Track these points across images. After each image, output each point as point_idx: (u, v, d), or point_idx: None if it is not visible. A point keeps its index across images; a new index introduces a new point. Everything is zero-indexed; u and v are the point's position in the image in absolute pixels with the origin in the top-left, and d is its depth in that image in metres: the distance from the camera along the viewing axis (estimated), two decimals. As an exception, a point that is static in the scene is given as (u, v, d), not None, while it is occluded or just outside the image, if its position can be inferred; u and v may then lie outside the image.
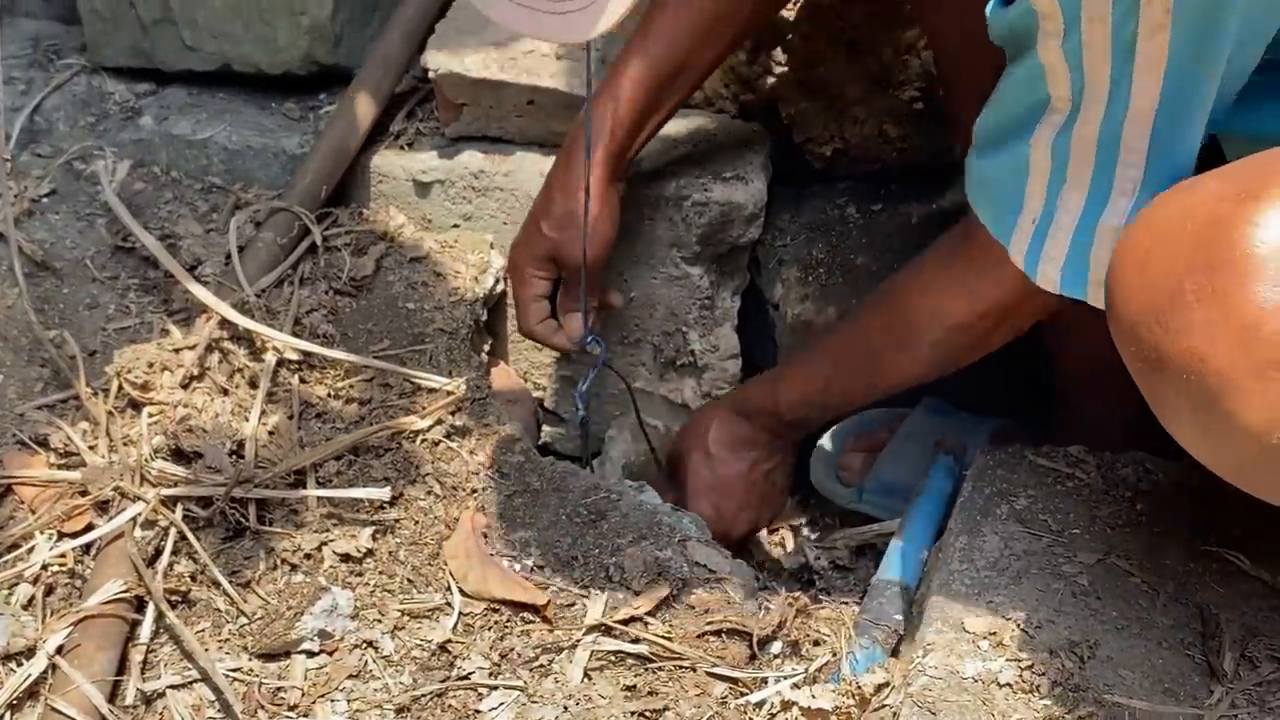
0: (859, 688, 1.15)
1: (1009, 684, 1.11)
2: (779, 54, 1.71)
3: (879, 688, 1.15)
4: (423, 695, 1.21)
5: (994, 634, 1.15)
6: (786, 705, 1.15)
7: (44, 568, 1.29)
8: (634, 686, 1.22)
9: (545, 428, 1.87)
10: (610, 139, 1.47)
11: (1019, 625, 1.16)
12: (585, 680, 1.23)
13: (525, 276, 1.54)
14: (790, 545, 1.74)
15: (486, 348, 1.75)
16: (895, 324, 1.40)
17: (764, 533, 1.73)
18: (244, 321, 1.51)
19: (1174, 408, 0.94)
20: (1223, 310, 0.87)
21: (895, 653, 1.26)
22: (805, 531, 1.79)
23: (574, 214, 1.47)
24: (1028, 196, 1.10)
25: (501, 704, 1.21)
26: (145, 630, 1.25)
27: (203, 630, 1.27)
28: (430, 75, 1.68)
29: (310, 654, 1.25)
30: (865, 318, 1.47)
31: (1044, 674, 1.10)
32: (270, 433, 1.42)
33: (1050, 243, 1.11)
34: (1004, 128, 1.12)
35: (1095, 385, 1.54)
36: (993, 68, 1.41)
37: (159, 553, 1.31)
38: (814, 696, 1.14)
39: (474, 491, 1.41)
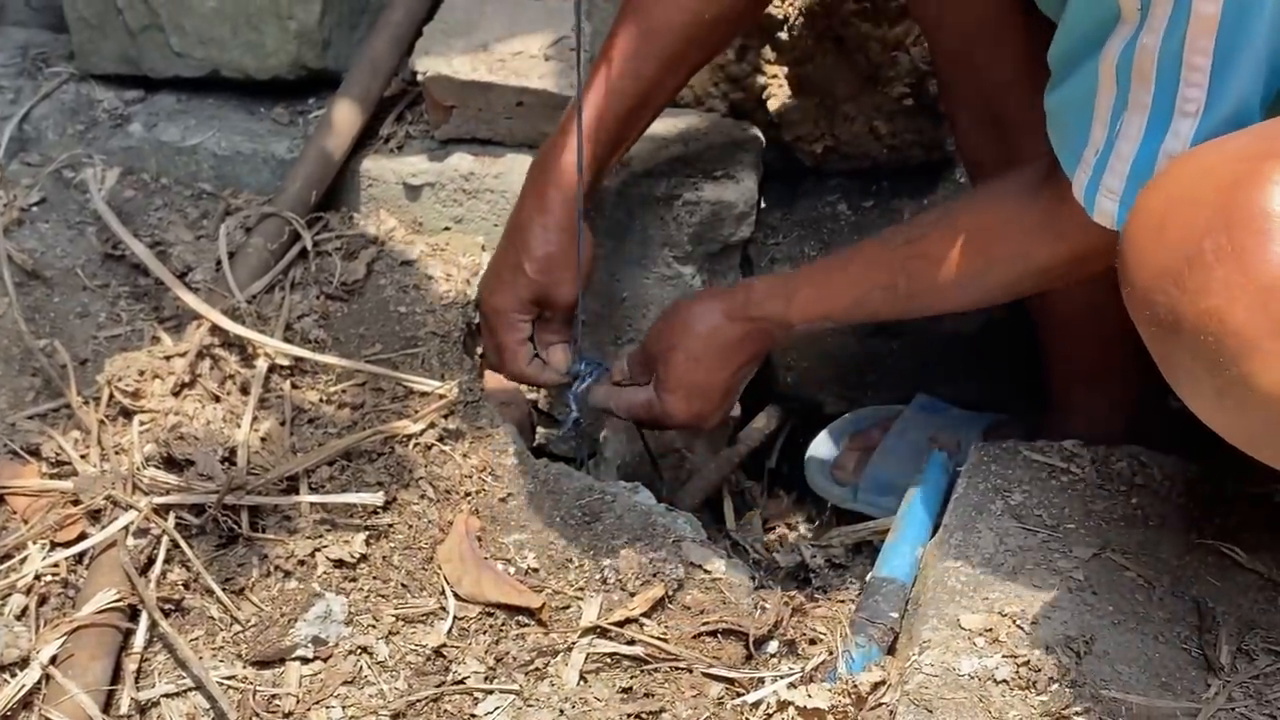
0: (855, 686, 1.14)
1: (1005, 680, 1.11)
2: (768, 52, 1.71)
3: (875, 686, 1.15)
4: (418, 700, 1.20)
5: (990, 630, 1.15)
6: (783, 705, 1.15)
7: (37, 578, 1.29)
8: (630, 688, 1.22)
9: (539, 429, 1.86)
10: (577, 179, 1.43)
11: (1015, 621, 1.16)
12: (581, 683, 1.22)
13: (511, 321, 1.49)
14: (787, 543, 1.74)
15: (479, 350, 1.75)
16: (966, 257, 1.30)
17: (760, 530, 1.73)
18: (235, 328, 1.51)
19: (1189, 373, 0.91)
20: (1242, 270, 0.84)
21: (892, 650, 1.25)
22: (801, 529, 1.79)
23: (558, 255, 1.44)
24: (1094, 124, 1.06)
25: (497, 708, 1.20)
26: (139, 639, 1.25)
27: (196, 638, 1.26)
28: (419, 78, 1.67)
29: (305, 660, 1.24)
30: (920, 242, 1.35)
31: (1040, 670, 1.10)
32: (262, 439, 1.42)
33: (1109, 174, 1.06)
34: (1074, 50, 1.08)
35: (1090, 380, 1.54)
36: (989, 62, 1.41)
37: (152, 561, 1.30)
38: (810, 696, 1.14)
39: (468, 495, 1.40)
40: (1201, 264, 0.86)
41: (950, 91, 1.52)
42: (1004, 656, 1.12)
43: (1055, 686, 1.09)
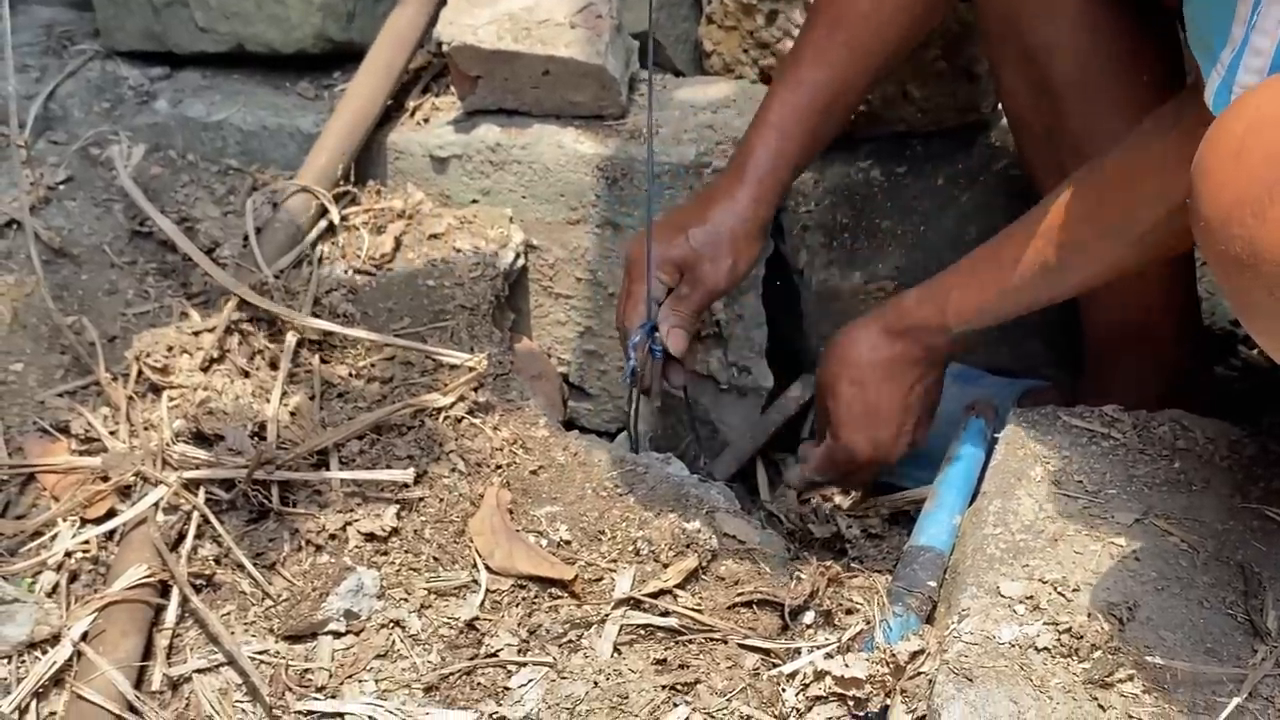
0: (893, 656, 1.13)
1: (1047, 648, 1.08)
2: (798, 16, 1.69)
3: (914, 655, 1.13)
4: (451, 673, 1.20)
5: (1031, 598, 1.13)
6: (820, 675, 1.13)
7: (67, 555, 1.28)
8: (664, 660, 1.20)
9: (570, 403, 1.85)
10: (771, 173, 1.43)
11: (1056, 588, 1.13)
12: (615, 655, 1.21)
13: (644, 273, 1.44)
14: (821, 514, 1.72)
15: (509, 323, 1.74)
16: (1108, 207, 1.24)
17: (794, 501, 1.71)
18: (263, 303, 1.50)
19: (1266, 310, 0.86)
20: None
21: (930, 619, 1.23)
22: (837, 500, 1.77)
23: (724, 237, 1.42)
24: (1234, 23, 0.96)
25: (531, 680, 1.19)
26: (170, 615, 1.24)
27: (228, 613, 1.25)
28: (444, 49, 1.65)
29: (337, 635, 1.24)
30: (1060, 209, 1.29)
31: (1083, 637, 1.08)
32: (292, 413, 1.41)
33: (1243, 71, 0.96)
34: None
35: (1129, 344, 1.52)
36: (1037, 23, 1.37)
37: (182, 537, 1.29)
38: (847, 665, 1.12)
39: (498, 467, 1.39)
40: None
41: (995, 51, 1.49)
42: (1045, 624, 1.10)
43: (1098, 654, 1.07)
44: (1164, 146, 1.19)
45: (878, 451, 1.48)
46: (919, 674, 1.12)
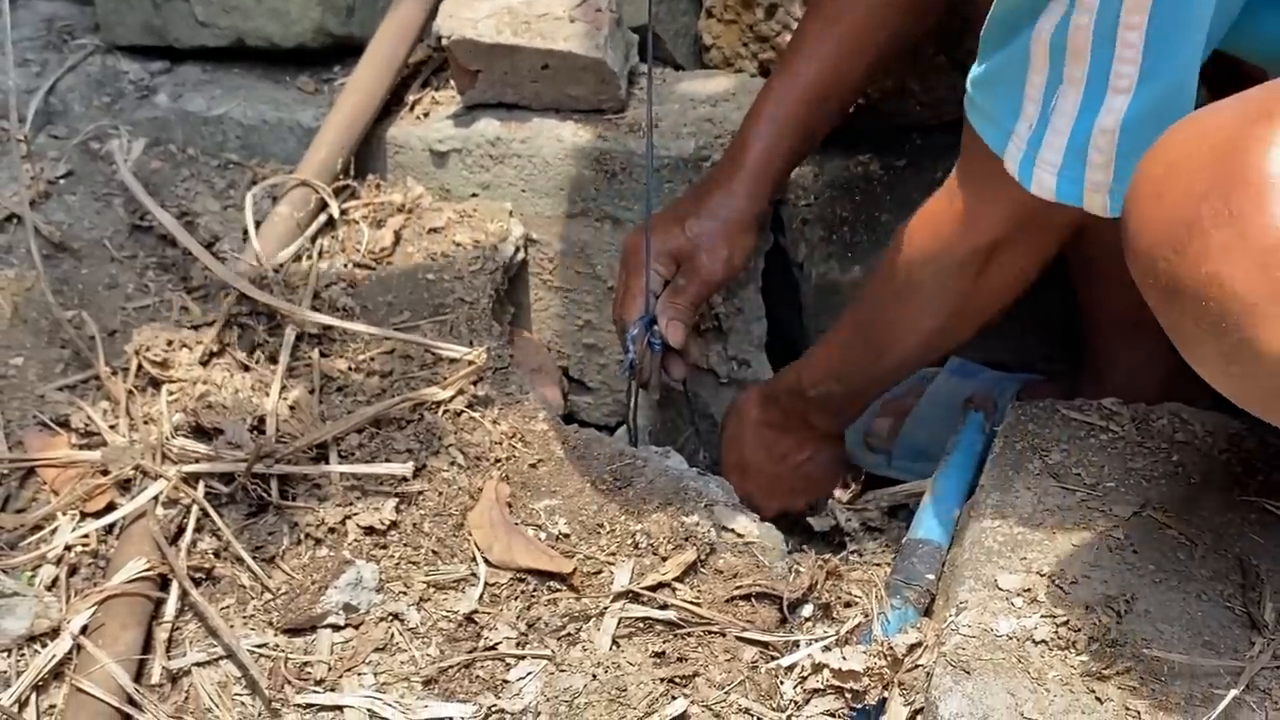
0: (891, 649, 1.13)
1: (1044, 641, 1.08)
2: (797, 10, 1.69)
3: (911, 648, 1.13)
4: (450, 666, 1.20)
5: (1028, 590, 1.13)
6: (818, 668, 1.13)
7: (67, 548, 1.29)
8: (663, 653, 1.20)
9: (570, 396, 1.85)
10: (766, 165, 1.44)
11: (1054, 581, 1.13)
12: (614, 648, 1.21)
13: (644, 266, 1.46)
14: (820, 508, 1.72)
15: (508, 317, 1.74)
16: (893, 275, 1.33)
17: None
18: (262, 296, 1.50)
19: (1194, 338, 0.90)
20: (1240, 233, 0.83)
21: (928, 612, 1.23)
22: (836, 494, 1.77)
23: (719, 228, 1.43)
24: (1025, 100, 1.06)
25: (529, 673, 1.19)
26: (170, 608, 1.25)
27: (227, 607, 1.26)
28: (443, 42, 1.65)
29: (336, 628, 1.24)
30: (870, 278, 1.40)
31: (1080, 629, 1.08)
32: (291, 407, 1.41)
33: (1045, 148, 1.06)
34: (1006, 24, 1.07)
35: (1128, 336, 1.52)
36: None
37: (181, 530, 1.30)
38: (845, 658, 1.12)
39: (498, 461, 1.39)
40: (1200, 230, 0.85)
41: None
42: (1043, 616, 1.10)
43: (1095, 646, 1.07)
44: (934, 210, 1.27)
45: (751, 500, 1.53)
46: (916, 666, 1.13)
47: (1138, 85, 0.99)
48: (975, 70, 1.13)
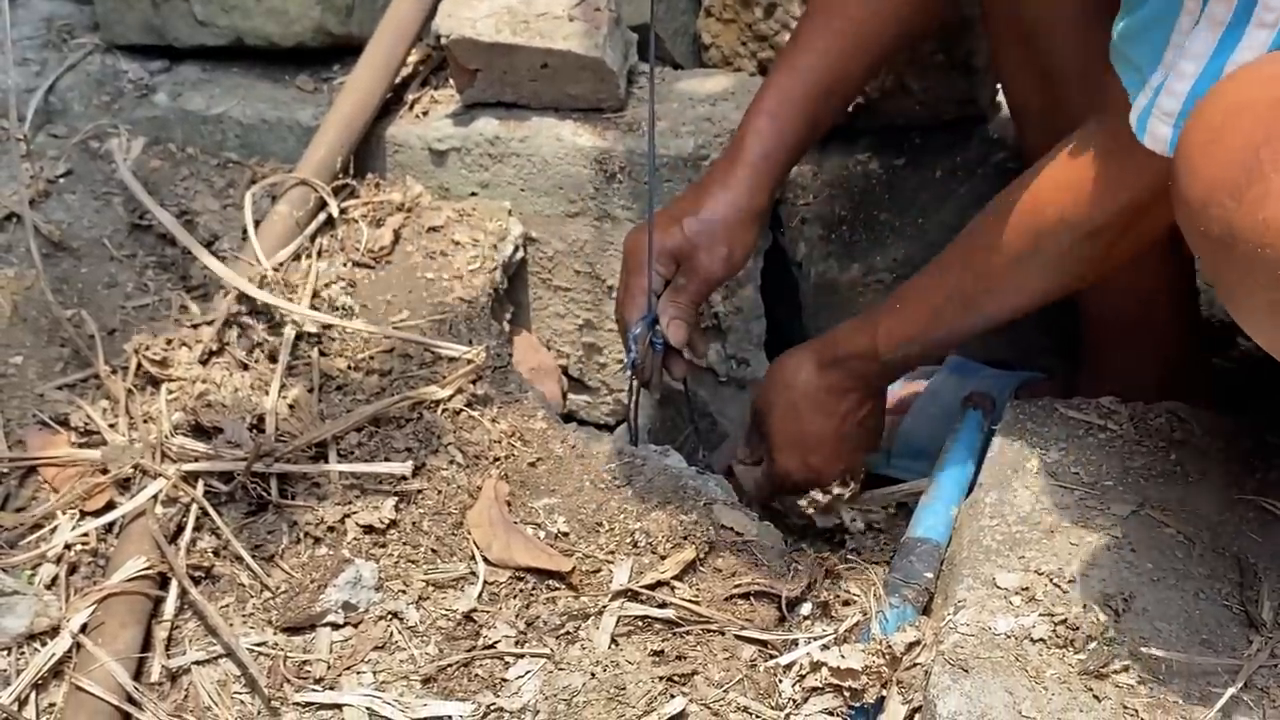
0: (889, 647, 1.13)
1: (1042, 639, 1.08)
2: (796, 9, 1.69)
3: (910, 646, 1.13)
4: (449, 665, 1.20)
5: (1026, 589, 1.13)
6: (816, 666, 1.13)
7: (66, 547, 1.29)
8: (662, 651, 1.20)
9: (569, 395, 1.85)
10: (765, 161, 1.42)
11: (1052, 579, 1.13)
12: (612, 646, 1.21)
13: (642, 264, 1.43)
14: (819, 507, 1.72)
15: (508, 316, 1.74)
16: (1016, 236, 1.26)
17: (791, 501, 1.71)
18: (262, 295, 1.50)
19: (1246, 290, 0.87)
20: None
21: (926, 611, 1.23)
22: (835, 492, 1.77)
23: (719, 225, 1.41)
24: (1169, 48, 0.98)
25: (528, 672, 1.19)
26: (169, 607, 1.25)
27: (227, 605, 1.26)
28: (442, 41, 1.65)
29: (335, 626, 1.24)
30: (979, 235, 1.32)
31: (1078, 628, 1.08)
32: (290, 406, 1.41)
33: (1164, 95, 0.98)
34: None
35: (1127, 335, 1.52)
36: (1038, 8, 1.37)
37: (181, 529, 1.30)
38: (843, 657, 1.12)
39: (497, 460, 1.39)
40: (1260, 175, 0.83)
41: (996, 32, 1.48)
42: (1041, 615, 1.10)
43: (1093, 645, 1.07)
44: (1068, 174, 1.20)
45: (812, 475, 1.52)
46: (915, 665, 1.13)
47: None
48: (1119, 23, 1.06)
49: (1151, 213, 1.16)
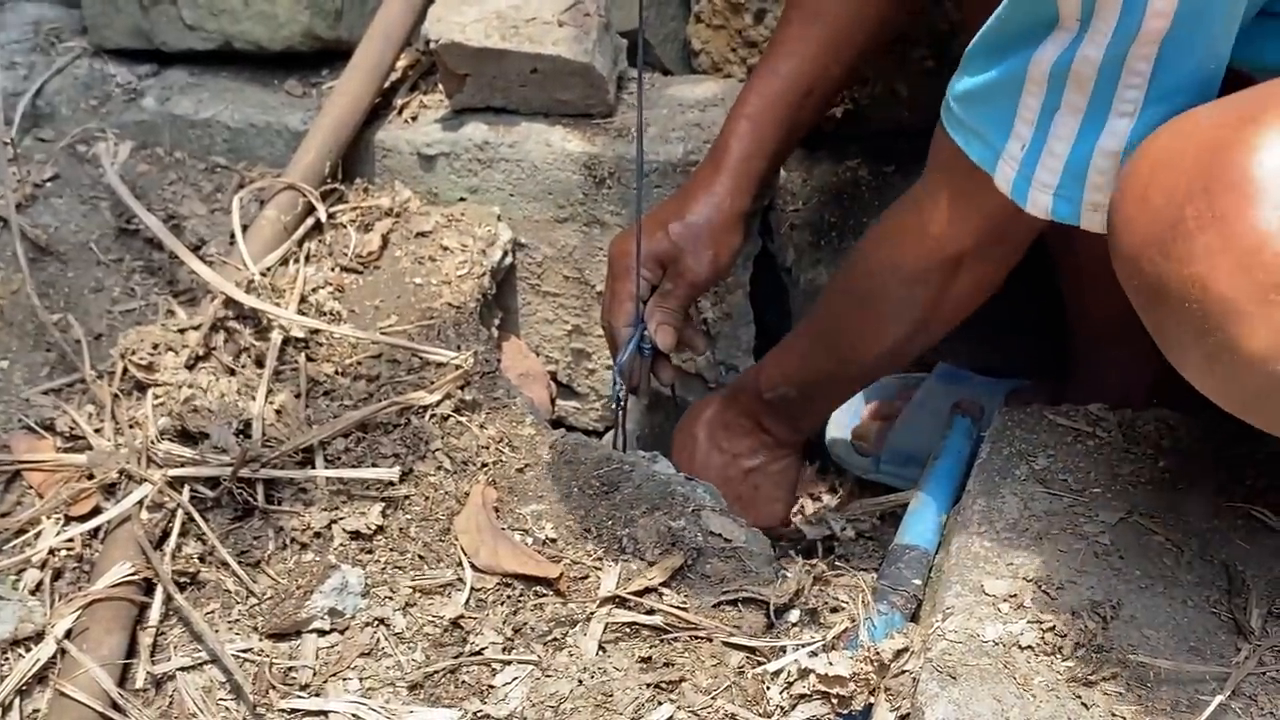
0: (878, 654, 1.12)
1: (1030, 646, 1.08)
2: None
3: (898, 653, 1.13)
4: (436, 672, 1.19)
5: (1014, 596, 1.13)
6: (804, 673, 1.13)
7: (51, 552, 1.28)
8: (649, 658, 1.20)
9: (558, 401, 1.85)
10: (748, 164, 1.43)
11: (1040, 586, 1.13)
12: (600, 653, 1.21)
13: (629, 269, 1.44)
14: (810, 514, 1.72)
15: (496, 322, 1.73)
16: (855, 282, 1.33)
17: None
18: (249, 300, 1.49)
19: (1178, 339, 0.91)
20: (1223, 235, 0.84)
21: (915, 618, 1.23)
22: (825, 499, 1.77)
23: (704, 229, 1.42)
24: (1018, 121, 1.05)
25: (515, 678, 1.19)
26: (154, 613, 1.24)
27: (212, 611, 1.25)
28: (431, 46, 1.65)
29: (321, 633, 1.23)
30: (835, 279, 1.40)
31: (1066, 635, 1.08)
32: (277, 411, 1.41)
33: (1041, 169, 1.05)
34: (1003, 44, 1.06)
35: (1115, 341, 1.51)
36: None
37: (167, 534, 1.29)
38: (832, 664, 1.12)
39: (484, 465, 1.39)
40: (1184, 231, 0.86)
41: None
42: (1029, 622, 1.10)
43: (1081, 651, 1.07)
44: (895, 222, 1.27)
45: None
46: (903, 672, 1.12)
47: (1143, 109, 0.98)
48: (959, 85, 1.11)
49: (975, 261, 1.23)
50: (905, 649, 1.14)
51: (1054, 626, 1.09)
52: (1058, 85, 1.01)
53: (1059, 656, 1.07)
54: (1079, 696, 1.04)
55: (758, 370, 1.48)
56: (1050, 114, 1.03)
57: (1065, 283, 1.55)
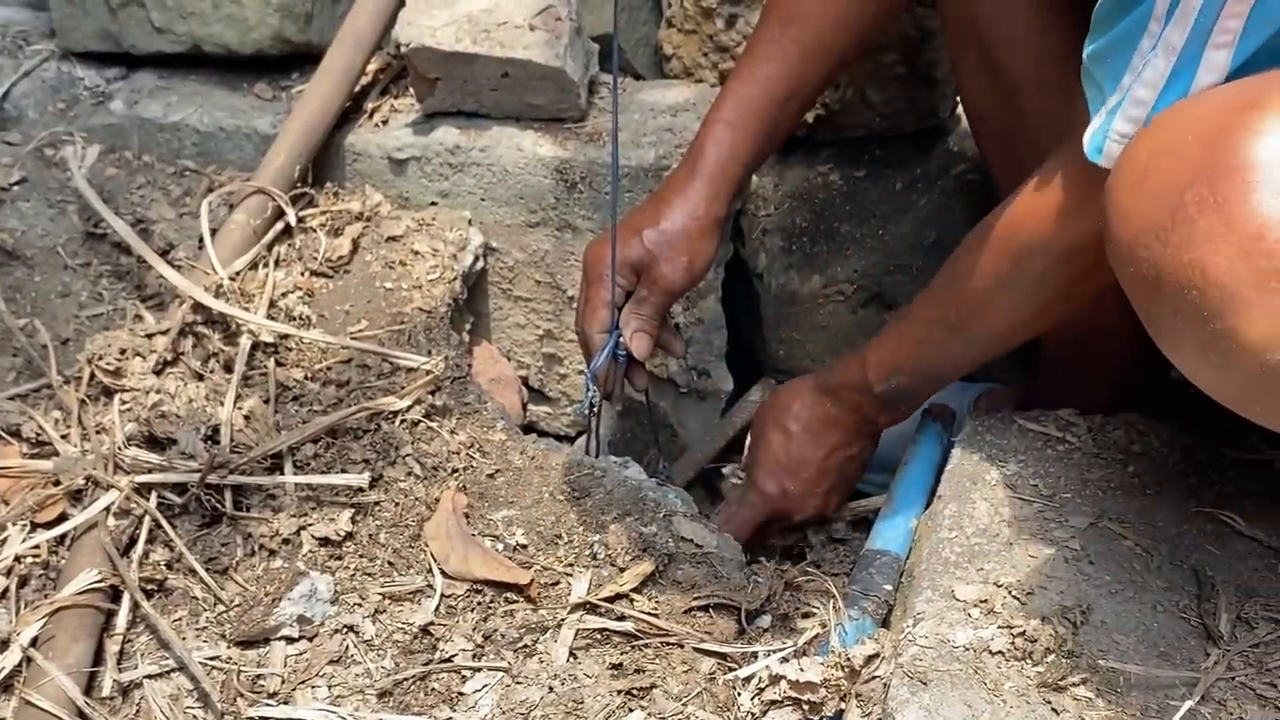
0: (849, 660, 1.12)
1: (1001, 652, 1.08)
2: (757, 20, 1.68)
3: (869, 659, 1.13)
4: (405, 679, 1.19)
5: (985, 601, 1.13)
6: (775, 679, 1.13)
7: (17, 559, 1.27)
8: (620, 665, 1.20)
9: (530, 406, 1.84)
10: (723, 170, 1.41)
11: (1010, 592, 1.13)
12: (570, 660, 1.21)
13: (602, 275, 1.41)
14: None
15: (468, 326, 1.73)
16: (994, 261, 1.26)
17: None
18: (218, 305, 1.48)
19: (1174, 329, 0.90)
20: (1225, 221, 0.83)
21: (886, 623, 1.23)
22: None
23: (679, 235, 1.40)
24: (1129, 68, 0.98)
25: (485, 686, 1.18)
26: (121, 620, 1.23)
27: (179, 619, 1.24)
28: (402, 50, 1.64)
29: (290, 640, 1.22)
30: (960, 262, 1.32)
31: (1036, 640, 1.08)
32: (246, 417, 1.40)
33: (1120, 119, 0.99)
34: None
35: (1085, 345, 1.52)
36: (996, 15, 1.37)
37: (134, 541, 1.28)
38: (802, 670, 1.11)
39: (455, 471, 1.38)
40: (1184, 217, 0.85)
41: (955, 45, 1.48)
42: (999, 627, 1.10)
43: (1051, 657, 1.07)
44: (1043, 197, 1.20)
45: (786, 501, 1.50)
46: (874, 678, 1.12)
47: (1241, 38, 0.93)
48: (1089, 45, 1.06)
49: None
50: (876, 654, 1.13)
51: (1024, 632, 1.09)
52: (1166, 22, 0.95)
53: (1029, 662, 1.07)
54: (1049, 702, 1.04)
55: (861, 365, 1.43)
56: (1148, 57, 0.97)
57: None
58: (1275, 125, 0.84)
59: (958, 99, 1.70)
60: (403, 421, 1.41)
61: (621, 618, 1.23)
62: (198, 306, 1.49)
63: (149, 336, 1.47)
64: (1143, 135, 0.93)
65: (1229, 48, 0.94)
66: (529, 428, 1.86)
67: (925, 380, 1.42)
